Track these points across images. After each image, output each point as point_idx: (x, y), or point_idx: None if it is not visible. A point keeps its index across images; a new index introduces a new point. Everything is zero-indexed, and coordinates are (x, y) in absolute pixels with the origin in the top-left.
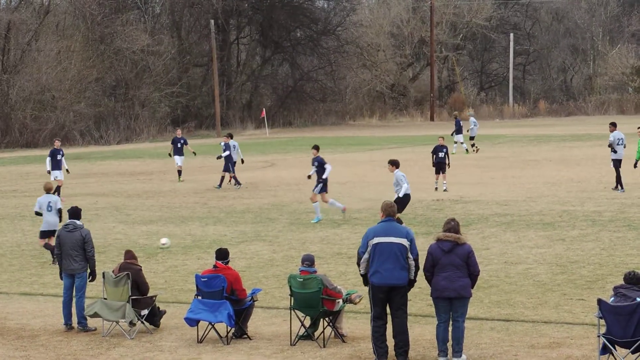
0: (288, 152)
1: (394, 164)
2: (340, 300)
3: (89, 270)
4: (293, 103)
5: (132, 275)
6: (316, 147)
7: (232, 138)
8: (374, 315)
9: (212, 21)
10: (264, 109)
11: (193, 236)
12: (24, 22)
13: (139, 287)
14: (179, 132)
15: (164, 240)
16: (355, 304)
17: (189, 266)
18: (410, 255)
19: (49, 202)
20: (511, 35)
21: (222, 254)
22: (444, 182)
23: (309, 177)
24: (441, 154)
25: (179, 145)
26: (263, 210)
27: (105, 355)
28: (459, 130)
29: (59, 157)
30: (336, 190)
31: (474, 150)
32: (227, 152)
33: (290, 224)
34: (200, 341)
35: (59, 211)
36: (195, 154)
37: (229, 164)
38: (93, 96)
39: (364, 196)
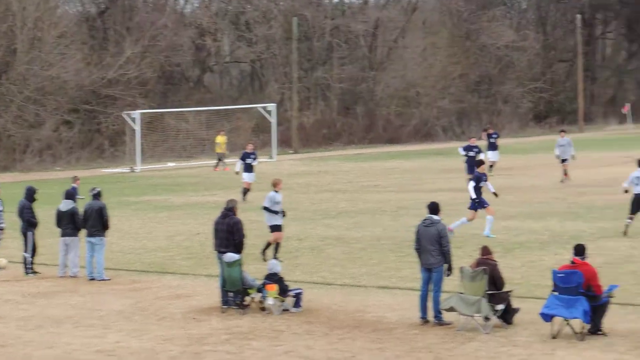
0: None
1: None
2: None
3: (446, 265)
4: None
5: (488, 271)
6: None
7: None
8: None
9: (579, 16)
10: (627, 104)
11: (551, 232)
12: (392, 20)
13: (495, 282)
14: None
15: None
16: None
17: (545, 262)
18: None
19: None
20: None
21: (580, 250)
22: None
23: None
24: None
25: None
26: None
27: (459, 349)
28: None
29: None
30: None
31: None
32: None
33: None
34: (554, 337)
35: None
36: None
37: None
38: (457, 92)
39: None
